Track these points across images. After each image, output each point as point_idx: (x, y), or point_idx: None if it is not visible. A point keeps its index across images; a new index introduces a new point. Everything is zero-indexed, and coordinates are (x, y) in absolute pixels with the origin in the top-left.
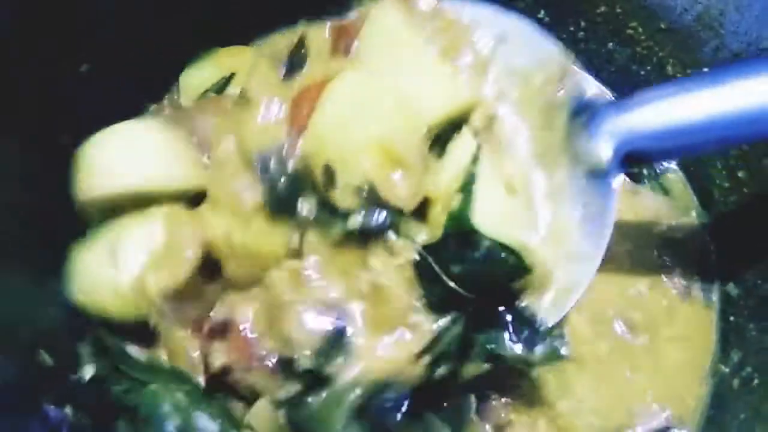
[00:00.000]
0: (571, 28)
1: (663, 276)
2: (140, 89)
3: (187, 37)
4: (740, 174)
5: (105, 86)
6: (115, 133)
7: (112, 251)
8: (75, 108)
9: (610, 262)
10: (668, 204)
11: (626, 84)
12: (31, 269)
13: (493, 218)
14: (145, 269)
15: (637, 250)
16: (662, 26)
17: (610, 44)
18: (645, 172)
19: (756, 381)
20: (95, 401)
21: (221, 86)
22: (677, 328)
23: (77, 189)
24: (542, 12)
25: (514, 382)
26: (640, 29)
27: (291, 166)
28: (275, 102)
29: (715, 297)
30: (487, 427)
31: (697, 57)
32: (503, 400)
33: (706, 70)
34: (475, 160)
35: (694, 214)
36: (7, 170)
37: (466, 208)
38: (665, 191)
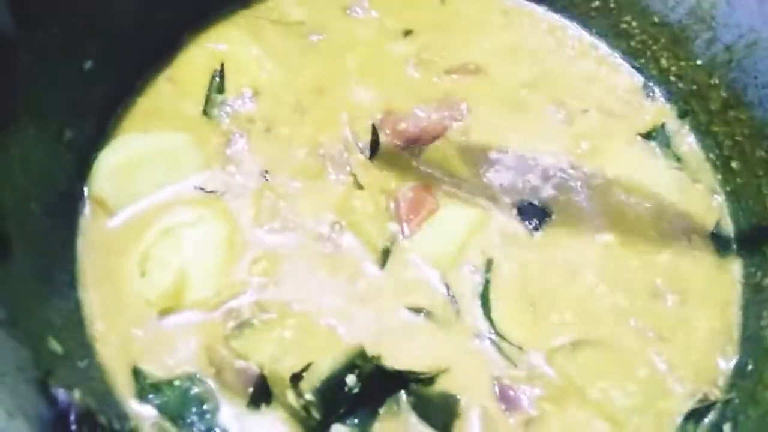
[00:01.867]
0: (566, 23)
1: (683, 245)
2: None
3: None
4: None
5: (108, 82)
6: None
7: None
8: (79, 104)
9: (628, 234)
10: (683, 170)
11: None
12: (40, 262)
13: None
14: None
15: (655, 219)
16: (655, 20)
17: (605, 41)
18: (656, 135)
19: None
20: (103, 387)
21: (219, 86)
22: (703, 297)
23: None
24: (536, 6)
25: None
26: (634, 23)
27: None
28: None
29: (736, 264)
30: (512, 420)
31: (690, 50)
32: (528, 392)
33: (699, 62)
34: None
35: (710, 179)
36: (13, 165)
37: None
38: (679, 159)
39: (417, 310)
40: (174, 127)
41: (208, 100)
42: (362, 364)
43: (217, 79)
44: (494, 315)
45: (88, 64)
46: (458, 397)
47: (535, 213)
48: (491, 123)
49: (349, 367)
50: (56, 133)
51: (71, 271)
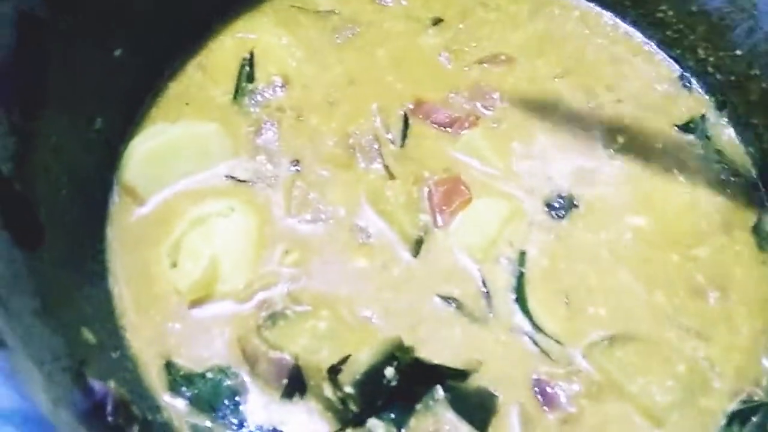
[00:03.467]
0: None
1: (723, 240)
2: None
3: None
4: None
5: (138, 70)
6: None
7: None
8: (109, 92)
9: (666, 228)
10: (722, 164)
11: None
12: (73, 251)
13: None
14: None
15: (694, 214)
16: (693, 8)
17: (639, 29)
18: (694, 127)
19: None
20: (135, 377)
21: (249, 75)
22: (745, 293)
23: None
24: None
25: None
26: (671, 12)
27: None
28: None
29: None
30: (554, 417)
31: (730, 39)
32: (566, 388)
33: (739, 52)
34: None
35: (750, 173)
36: (46, 153)
37: None
38: (719, 152)
39: (449, 299)
40: (204, 115)
41: (238, 89)
42: (400, 356)
43: (247, 68)
44: (530, 308)
45: (118, 52)
46: (496, 393)
47: (564, 205)
48: (523, 113)
49: (388, 359)
50: (87, 121)
51: (102, 260)
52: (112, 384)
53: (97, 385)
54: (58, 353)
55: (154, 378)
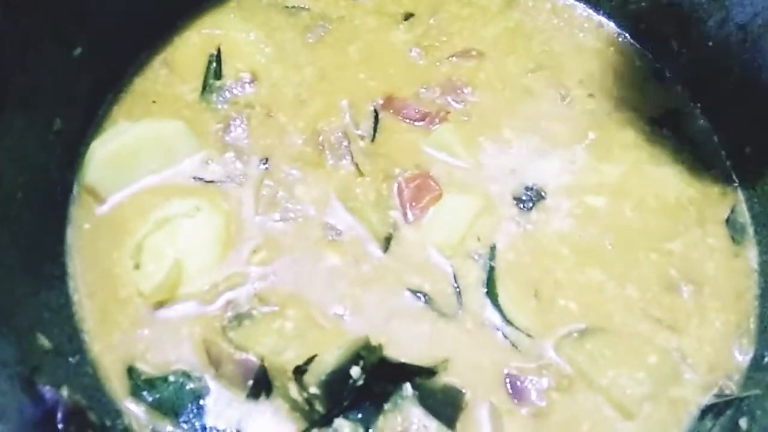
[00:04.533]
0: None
1: (697, 233)
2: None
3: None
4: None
5: (99, 69)
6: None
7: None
8: (68, 92)
9: (639, 221)
10: (695, 156)
11: None
12: (29, 254)
13: None
14: None
15: (667, 207)
16: (665, 1)
17: (613, 21)
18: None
19: None
20: (95, 383)
21: (217, 71)
22: (719, 285)
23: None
24: None
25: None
26: (644, 4)
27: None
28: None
29: (753, 252)
30: (524, 411)
31: (702, 31)
32: (536, 382)
33: (710, 44)
34: None
35: (723, 165)
36: (2, 157)
37: None
38: (692, 144)
39: (419, 293)
40: (170, 113)
41: (205, 86)
42: (367, 355)
43: (214, 64)
44: (500, 302)
45: (78, 51)
46: (463, 390)
47: (532, 198)
48: (494, 107)
49: (354, 358)
50: (45, 122)
51: (61, 263)
52: (65, 391)
53: (47, 392)
54: (6, 360)
55: (115, 383)
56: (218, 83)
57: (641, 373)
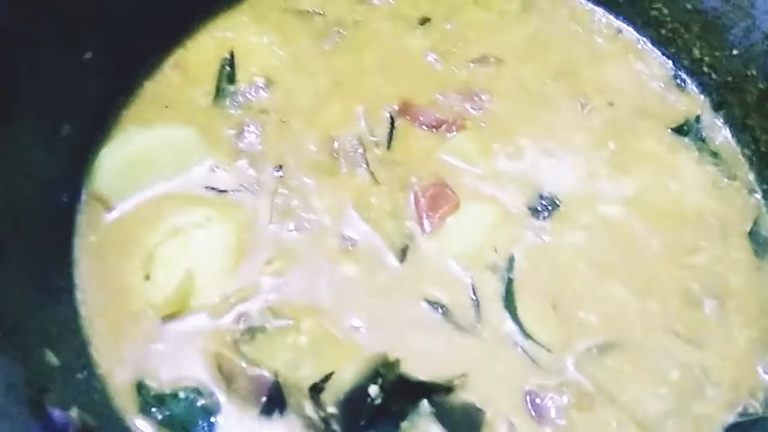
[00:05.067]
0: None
1: (719, 246)
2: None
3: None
4: None
5: (109, 73)
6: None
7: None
8: (77, 97)
9: (659, 234)
10: (718, 167)
11: None
12: (35, 266)
13: None
14: None
15: (689, 219)
16: (688, 6)
17: (633, 27)
18: (689, 129)
19: None
20: (103, 400)
21: (230, 75)
22: (742, 300)
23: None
24: None
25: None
26: (665, 10)
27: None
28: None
29: None
30: (544, 430)
31: (726, 39)
32: (556, 400)
33: (735, 52)
34: None
35: (746, 176)
36: (7, 164)
37: None
38: (714, 154)
39: (436, 305)
40: (182, 119)
41: (218, 90)
42: (385, 372)
43: (228, 68)
44: (519, 315)
45: (88, 55)
46: (483, 409)
47: (549, 209)
48: (513, 115)
49: (372, 376)
50: (53, 128)
51: (69, 275)
52: (74, 411)
53: (57, 413)
54: (14, 382)
55: (124, 399)
56: (232, 88)
57: (663, 389)
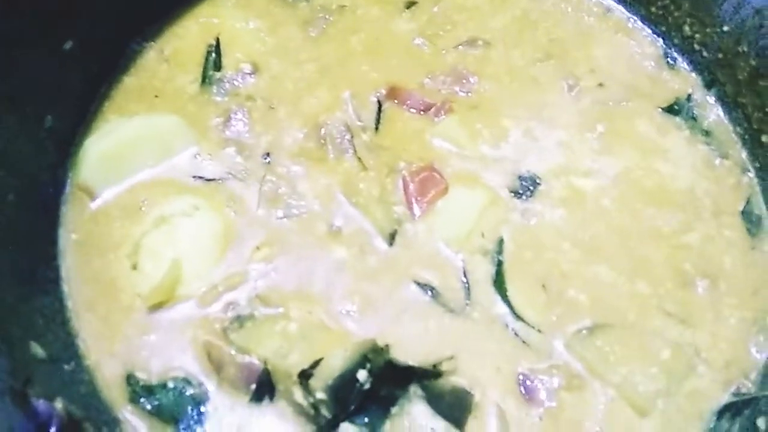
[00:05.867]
0: None
1: (711, 225)
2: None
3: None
4: None
5: (91, 62)
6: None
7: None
8: (60, 88)
9: (650, 214)
10: (710, 145)
11: None
12: (21, 259)
13: None
14: None
15: (681, 198)
16: None
17: (623, 5)
18: (680, 108)
19: None
20: (91, 391)
21: (216, 62)
22: (735, 280)
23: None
24: None
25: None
26: None
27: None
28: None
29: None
30: (534, 412)
31: (717, 15)
32: (547, 382)
33: (726, 28)
34: None
35: (738, 155)
36: None
37: None
38: (706, 133)
39: (426, 287)
40: (167, 107)
41: (204, 78)
42: (373, 358)
43: (213, 55)
44: (509, 296)
45: (69, 45)
46: (472, 392)
47: (534, 191)
48: (501, 98)
49: (361, 361)
50: (36, 120)
51: (55, 266)
52: (59, 402)
53: (41, 405)
54: None
55: (113, 390)
56: (218, 75)
57: (654, 369)
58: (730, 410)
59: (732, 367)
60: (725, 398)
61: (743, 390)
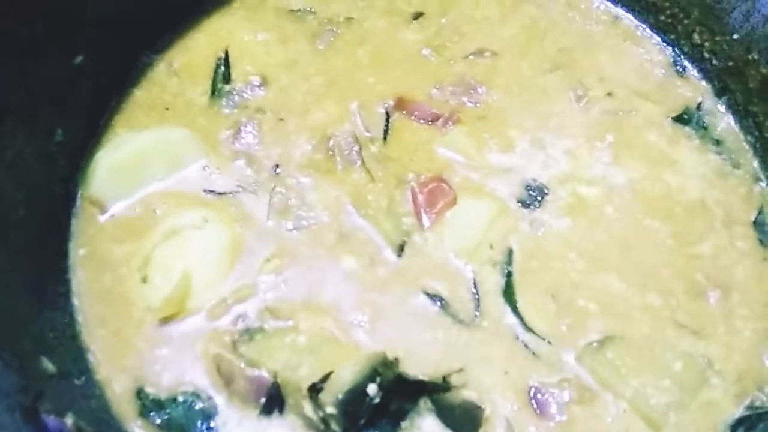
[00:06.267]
0: None
1: (723, 235)
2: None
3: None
4: None
5: (101, 76)
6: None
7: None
8: (70, 101)
9: (662, 225)
10: (720, 155)
11: None
12: (31, 273)
13: None
14: None
15: (691, 209)
16: None
17: (631, 13)
18: (690, 117)
19: None
20: (101, 405)
21: (225, 75)
22: (748, 291)
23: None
24: None
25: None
26: None
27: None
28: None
29: None
30: (545, 426)
31: (726, 23)
32: (557, 395)
33: (736, 36)
34: None
35: (750, 164)
36: (2, 172)
37: None
38: (717, 142)
39: (435, 297)
40: (177, 120)
41: (214, 90)
42: (383, 371)
43: (223, 68)
44: (519, 308)
45: (79, 58)
46: (482, 406)
47: (542, 201)
48: (510, 108)
49: (371, 375)
50: (46, 133)
51: (65, 280)
52: (69, 418)
53: (52, 421)
54: (7, 390)
55: (123, 404)
56: (227, 87)
57: (666, 381)
58: (743, 424)
59: (746, 379)
60: (739, 411)
61: (757, 403)
